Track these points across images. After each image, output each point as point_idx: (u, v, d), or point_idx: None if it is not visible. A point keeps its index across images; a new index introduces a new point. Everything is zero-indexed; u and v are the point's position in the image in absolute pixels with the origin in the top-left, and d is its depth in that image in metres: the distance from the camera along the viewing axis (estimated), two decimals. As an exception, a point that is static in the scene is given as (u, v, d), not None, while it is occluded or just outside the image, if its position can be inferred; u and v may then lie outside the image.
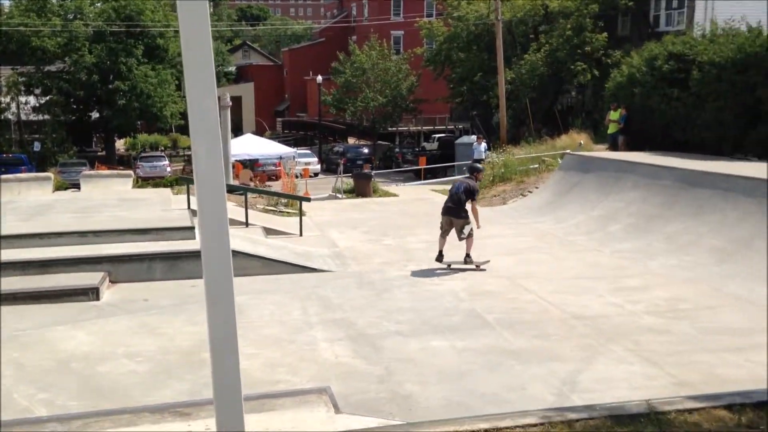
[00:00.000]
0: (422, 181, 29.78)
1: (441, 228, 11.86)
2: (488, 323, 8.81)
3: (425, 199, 21.78)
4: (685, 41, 20.53)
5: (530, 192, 20.06)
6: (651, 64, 20.69)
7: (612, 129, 22.14)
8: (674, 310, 9.20)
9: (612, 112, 22.10)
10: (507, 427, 4.85)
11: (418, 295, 10.24)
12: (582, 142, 23.93)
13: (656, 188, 14.87)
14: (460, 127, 48.14)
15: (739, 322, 8.64)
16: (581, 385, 6.73)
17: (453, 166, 32.58)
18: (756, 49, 17.08)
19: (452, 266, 11.68)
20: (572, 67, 31.32)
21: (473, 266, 11.63)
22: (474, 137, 29.68)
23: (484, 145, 25.71)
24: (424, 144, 46.77)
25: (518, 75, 32.82)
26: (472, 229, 11.66)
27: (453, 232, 11.75)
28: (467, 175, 12.29)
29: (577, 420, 4.97)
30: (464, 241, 11.69)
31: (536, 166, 22.80)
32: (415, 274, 11.55)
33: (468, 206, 11.77)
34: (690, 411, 4.97)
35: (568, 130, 27.36)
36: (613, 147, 21.88)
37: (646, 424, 4.76)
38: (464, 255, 11.67)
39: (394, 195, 22.69)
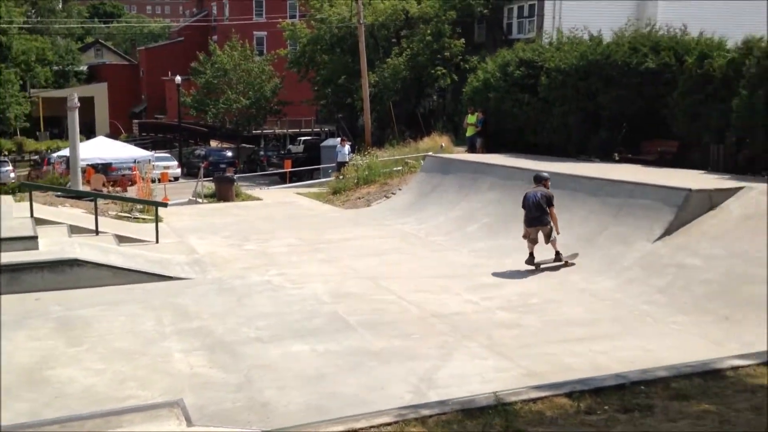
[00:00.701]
0: (288, 185, 29.55)
1: (527, 238, 11.81)
2: (350, 325, 8.85)
3: (290, 202, 21.62)
4: (534, 48, 21.63)
5: (394, 194, 20.40)
6: (504, 70, 21.63)
7: (470, 132, 22.94)
8: (525, 305, 9.64)
9: (470, 115, 22.91)
10: (362, 428, 4.87)
11: (279, 299, 10.11)
12: (443, 144, 24.63)
13: (511, 189, 15.52)
14: (326, 129, 48.20)
15: (583, 314, 9.18)
16: (438, 381, 6.90)
17: (319, 168, 32.58)
18: (596, 57, 18.26)
19: (542, 266, 11.66)
20: (433, 71, 32.20)
21: (563, 262, 11.60)
22: (338, 140, 29.82)
23: (347, 147, 25.87)
24: (290, 147, 46.45)
25: (381, 78, 33.34)
26: (554, 232, 11.71)
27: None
28: (535, 185, 12.07)
29: (431, 416, 5.08)
30: (550, 244, 11.69)
31: (400, 168, 23.22)
32: (277, 278, 11.40)
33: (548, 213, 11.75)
34: (534, 400, 5.20)
35: (431, 132, 28.07)
36: (472, 149, 22.68)
37: (493, 416, 4.93)
38: (554, 254, 11.67)
39: (258, 199, 22.36)
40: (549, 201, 11.63)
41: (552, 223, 11.54)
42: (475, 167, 17.79)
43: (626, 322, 8.80)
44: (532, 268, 11.58)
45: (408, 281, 11.10)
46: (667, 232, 11.11)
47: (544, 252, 11.66)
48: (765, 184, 11.70)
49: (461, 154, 21.65)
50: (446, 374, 7.09)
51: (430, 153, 22.23)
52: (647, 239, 11.20)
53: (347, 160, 25.10)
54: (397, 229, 16.09)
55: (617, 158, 18.43)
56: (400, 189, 20.46)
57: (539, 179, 12.13)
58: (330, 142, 34.43)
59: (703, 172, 14.59)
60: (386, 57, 34.56)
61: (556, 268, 11.44)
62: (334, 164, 26.21)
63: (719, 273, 9.56)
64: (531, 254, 11.63)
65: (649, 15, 26.61)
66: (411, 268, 12.15)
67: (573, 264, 11.58)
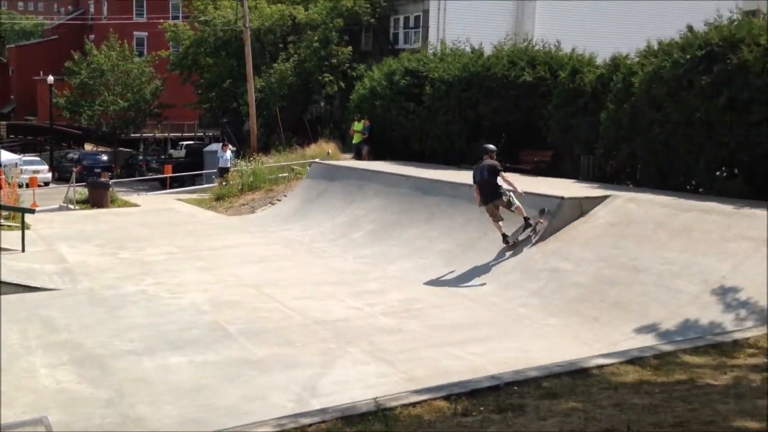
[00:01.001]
0: (168, 190, 28.61)
1: (490, 215, 11.70)
2: (230, 334, 8.65)
3: (170, 209, 20.93)
4: (419, 59, 22.08)
5: (279, 200, 20.20)
6: (390, 78, 21.94)
7: (356, 139, 23.09)
8: (407, 310, 9.77)
9: (356, 122, 23.05)
10: (238, 440, 4.76)
11: (155, 310, 9.74)
12: (330, 151, 24.65)
13: (395, 196, 15.76)
14: (209, 134, 47.06)
15: (462, 318, 9.41)
16: (321, 389, 6.85)
17: (201, 174, 31.76)
18: (478, 69, 18.86)
19: (518, 240, 11.57)
20: (320, 78, 32.19)
21: (533, 225, 11.54)
22: (220, 145, 29.18)
23: (229, 152, 25.30)
24: (171, 151, 45.05)
25: (268, 83, 32.97)
26: (514, 197, 11.53)
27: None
28: (483, 158, 11.88)
29: (311, 425, 5.03)
30: (517, 211, 11.56)
31: (286, 174, 23.03)
32: (154, 288, 10.99)
33: (500, 182, 11.57)
34: (414, 404, 5.26)
35: (318, 139, 28.04)
36: (358, 156, 22.83)
37: (373, 422, 4.94)
38: (523, 222, 11.55)
39: (136, 205, 21.51)
40: (495, 171, 11.56)
41: (509, 192, 11.51)
42: (361, 174, 17.91)
43: (503, 324, 9.09)
44: (510, 251, 11.48)
45: (291, 288, 11.00)
46: (542, 238, 11.58)
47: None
48: (629, 193, 12.45)
49: (348, 161, 21.75)
50: (329, 381, 7.06)
51: (317, 159, 22.18)
52: (524, 245, 11.64)
53: (229, 165, 24.62)
54: (282, 235, 15.93)
55: (497, 167, 19.05)
56: (285, 195, 20.28)
57: (485, 151, 12.01)
58: (214, 147, 33.63)
59: (574, 180, 15.34)
60: (273, 62, 34.22)
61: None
62: (216, 170, 25.61)
63: (588, 276, 10.06)
64: (503, 235, 11.58)
65: (526, 30, 27.80)
66: (295, 275, 12.05)
67: (545, 223, 11.59)
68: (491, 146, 12.19)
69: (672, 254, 9.71)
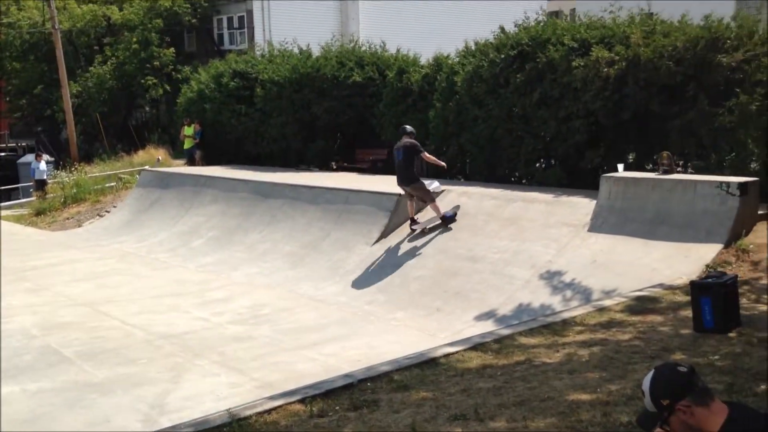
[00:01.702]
0: (-20, 207, 26.18)
1: (407, 198, 11.49)
2: (66, 358, 8.15)
3: (-16, 227, 19.18)
4: (247, 60, 21.82)
5: (108, 212, 19.18)
6: (218, 81, 21.50)
7: (188, 144, 22.38)
8: (256, 316, 9.69)
9: (186, 127, 22.34)
10: (86, 470, 4.52)
11: (-22, 338, 8.95)
12: (160, 157, 23.72)
13: (234, 200, 15.50)
14: (23, 144, 43.44)
15: (312, 320, 9.50)
16: (170, 405, 6.65)
17: (18, 188, 29.33)
18: (308, 70, 18.98)
19: (427, 228, 11.31)
20: (143, 81, 30.80)
21: (448, 223, 11.25)
22: (33, 156, 27.11)
23: (44, 163, 23.55)
24: (-20, 164, 41.18)
25: (85, 88, 31.08)
26: (430, 187, 11.22)
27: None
28: (402, 138, 11.45)
29: (163, 444, 4.89)
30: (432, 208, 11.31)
31: (113, 184, 21.89)
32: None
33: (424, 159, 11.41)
34: (269, 411, 5.25)
35: (146, 145, 26.87)
36: (191, 162, 22.15)
37: (229, 433, 4.90)
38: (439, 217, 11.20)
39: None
40: (414, 150, 11.26)
41: (422, 181, 11.45)
42: (196, 180, 17.44)
43: (352, 323, 9.29)
44: (415, 230, 11.42)
45: (130, 304, 10.53)
46: (383, 234, 11.93)
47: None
48: (461, 187, 13.12)
49: (180, 167, 21.06)
50: (179, 397, 6.86)
51: (147, 167, 21.29)
52: (366, 243, 11.92)
53: (45, 177, 22.98)
54: (115, 248, 15.15)
55: (334, 167, 19.32)
56: (115, 206, 19.30)
57: (402, 132, 11.75)
58: (29, 158, 31.11)
59: (409, 177, 15.89)
60: (89, 65, 32.32)
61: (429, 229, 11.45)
62: (32, 183, 23.80)
63: (430, 269, 10.52)
64: (411, 219, 11.53)
65: (351, 31, 28.35)
66: (133, 289, 11.54)
67: (455, 214, 11.49)
68: (408, 127, 11.94)
69: (503, 243, 10.38)
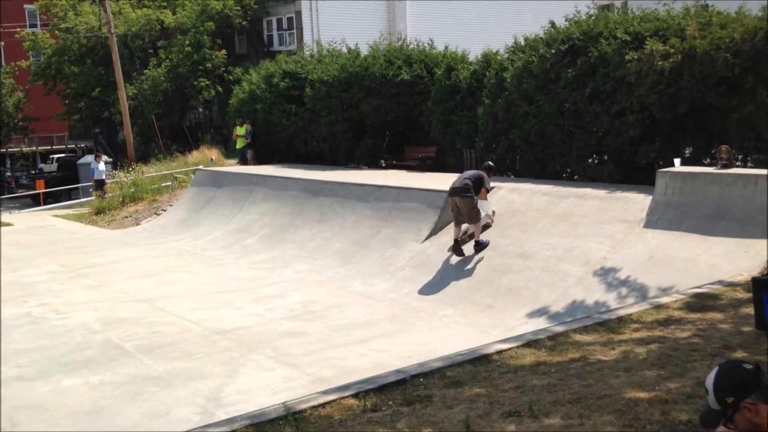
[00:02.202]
0: (42, 207, 27.10)
1: (453, 215, 11.03)
2: (127, 352, 8.37)
3: (47, 226, 19.87)
4: (297, 60, 22.06)
5: (164, 210, 19.63)
6: (269, 81, 21.78)
7: (240, 144, 22.77)
8: (308, 313, 9.80)
9: (238, 127, 22.72)
10: (149, 459, 4.65)
11: (43, 332, 9.27)
12: (213, 157, 24.18)
13: (285, 199, 15.70)
14: (82, 146, 44.83)
15: (363, 316, 9.55)
16: (226, 399, 6.77)
17: (78, 188, 30.26)
18: (356, 69, 19.07)
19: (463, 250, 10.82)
20: (195, 83, 31.42)
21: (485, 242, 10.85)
22: (92, 156, 27.92)
23: (103, 164, 24.21)
24: (42, 166, 42.53)
25: (140, 90, 31.84)
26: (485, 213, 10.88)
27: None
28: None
29: (220, 435, 4.98)
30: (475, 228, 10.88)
31: (169, 183, 22.40)
32: (38, 309, 10.43)
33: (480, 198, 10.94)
34: (323, 405, 5.30)
35: (199, 146, 27.43)
36: (243, 161, 22.52)
37: (284, 426, 4.95)
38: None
39: (8, 224, 20.25)
40: (481, 182, 10.97)
41: (474, 205, 10.79)
42: (248, 179, 17.70)
43: (402, 319, 9.31)
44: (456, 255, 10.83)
45: (187, 300, 10.76)
46: (433, 232, 11.91)
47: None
48: (511, 183, 13.02)
49: (233, 167, 21.42)
50: (234, 390, 6.99)
51: (201, 167, 21.71)
52: (416, 240, 11.92)
53: (104, 177, 23.63)
54: (171, 246, 15.50)
55: (383, 165, 19.38)
56: (171, 205, 19.73)
57: (484, 168, 11.58)
58: (87, 159, 32.07)
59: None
60: (144, 68, 33.08)
61: None
62: (92, 183, 24.50)
63: (481, 266, 10.46)
64: (455, 240, 10.83)
65: (399, 29, 28.38)
66: (189, 285, 11.79)
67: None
68: (489, 164, 11.90)
69: (555, 239, 10.27)
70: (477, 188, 10.93)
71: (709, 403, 2.70)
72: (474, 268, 10.50)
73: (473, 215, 10.76)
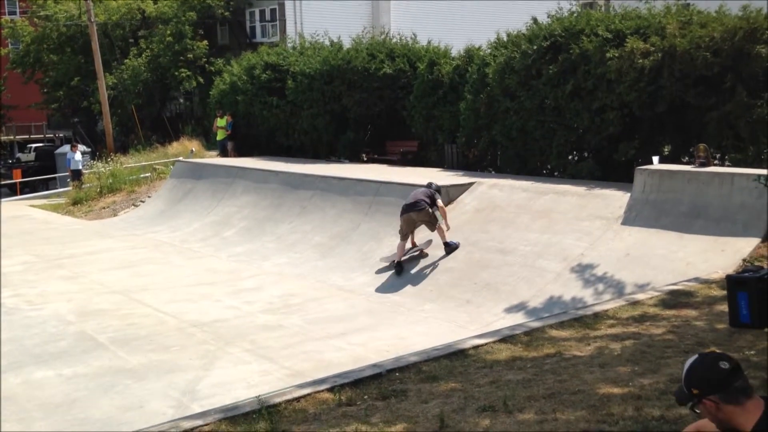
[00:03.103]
0: (19, 196, 26.76)
1: (400, 232, 10.84)
2: (101, 344, 8.29)
3: (23, 216, 19.63)
4: (279, 52, 21.91)
5: (143, 201, 19.46)
6: (250, 73, 21.63)
7: (220, 136, 22.62)
8: (286, 306, 9.76)
9: (219, 119, 22.57)
10: (119, 453, 4.60)
11: (16, 323, 9.14)
12: (194, 149, 24.00)
13: (265, 192, 15.61)
14: (60, 135, 44.32)
15: (341, 310, 9.53)
16: (201, 392, 6.72)
17: (55, 177, 29.91)
18: (338, 62, 18.99)
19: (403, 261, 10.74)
20: (177, 73, 31.14)
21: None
22: (68, 146, 27.60)
23: (79, 154, 23.93)
24: (19, 155, 42.00)
25: (120, 80, 31.51)
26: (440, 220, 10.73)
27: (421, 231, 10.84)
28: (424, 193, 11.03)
29: (192, 429, 4.92)
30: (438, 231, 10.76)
31: (148, 174, 22.20)
32: (12, 300, 10.29)
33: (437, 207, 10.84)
34: (298, 399, 5.27)
35: (180, 137, 27.22)
36: (223, 153, 22.38)
37: (258, 420, 4.92)
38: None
39: (-17, 214, 19.96)
40: (433, 200, 10.86)
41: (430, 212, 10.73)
42: (228, 171, 17.59)
43: (380, 313, 9.29)
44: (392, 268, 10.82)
45: (164, 292, 10.67)
46: (413, 226, 11.87)
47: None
48: (491, 179, 13.04)
49: (213, 159, 21.28)
50: (210, 383, 6.94)
51: (181, 158, 21.54)
52: (396, 234, 11.87)
53: (80, 168, 23.36)
54: (149, 238, 15.36)
55: (365, 158, 19.34)
56: (149, 196, 19.56)
57: (428, 185, 11.34)
58: (66, 148, 31.70)
59: (440, 169, 15.85)
60: (124, 58, 32.73)
61: None
62: (69, 173, 24.22)
63: (459, 261, 10.47)
64: (399, 262, 10.73)
65: (383, 23, 28.28)
66: (166, 277, 11.69)
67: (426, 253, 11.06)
68: (435, 183, 11.56)
69: (534, 235, 10.30)
70: (431, 205, 10.87)
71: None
72: (453, 263, 10.50)
73: (432, 222, 10.78)
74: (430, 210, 10.77)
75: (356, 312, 9.39)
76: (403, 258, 10.87)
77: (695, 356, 2.76)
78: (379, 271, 11.04)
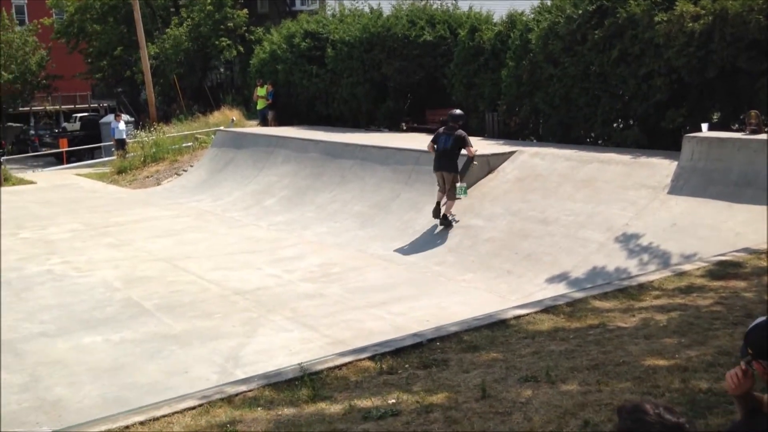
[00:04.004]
0: (65, 165, 27.35)
1: (438, 182, 11.26)
2: (147, 310, 8.45)
3: (70, 184, 20.06)
4: (319, 20, 21.79)
5: (185, 171, 19.69)
6: (290, 41, 21.57)
7: (260, 105, 22.69)
8: (326, 275, 9.81)
9: (259, 88, 22.62)
10: (164, 415, 4.67)
11: (65, 289, 9.38)
12: (234, 118, 24.13)
13: (305, 161, 15.65)
14: (105, 105, 45.03)
15: (381, 279, 9.54)
16: (244, 359, 6.82)
17: (100, 147, 30.46)
18: (378, 30, 18.80)
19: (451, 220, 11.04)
20: (217, 42, 31.24)
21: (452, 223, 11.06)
22: (113, 116, 27.99)
23: (122, 123, 24.25)
24: (65, 125, 42.76)
25: (162, 50, 31.72)
26: (459, 189, 11.04)
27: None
28: (450, 124, 11.21)
29: (236, 394, 4.99)
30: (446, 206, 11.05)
31: (190, 144, 22.43)
32: (60, 267, 10.55)
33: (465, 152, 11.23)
34: (339, 367, 5.31)
35: (220, 106, 27.36)
36: (264, 122, 22.46)
37: (300, 387, 4.97)
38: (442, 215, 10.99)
39: (32, 182, 20.49)
40: (464, 142, 11.07)
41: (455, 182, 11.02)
42: (269, 140, 17.66)
43: (421, 283, 9.28)
44: (440, 223, 11.03)
45: (206, 260, 10.82)
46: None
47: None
48: (533, 148, 12.83)
49: (254, 128, 21.37)
50: (252, 350, 7.03)
51: (222, 127, 21.69)
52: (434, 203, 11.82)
53: (125, 137, 23.69)
54: (192, 207, 15.57)
55: (405, 128, 19.22)
56: (191, 166, 19.78)
57: (452, 118, 11.34)
58: (110, 118, 32.17)
59: (480, 138, 15.65)
60: (166, 27, 32.92)
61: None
62: (113, 142, 24.62)
63: (500, 231, 10.38)
64: (438, 203, 11.06)
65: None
66: (209, 246, 11.84)
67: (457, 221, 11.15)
68: (458, 112, 11.57)
69: (577, 205, 10.13)
70: (460, 150, 11.17)
71: None
72: (494, 233, 10.41)
73: (452, 192, 11.03)
74: (457, 176, 11.13)
75: (396, 281, 9.39)
76: (443, 207, 11.05)
77: (763, 318, 2.74)
78: (420, 241, 11.01)
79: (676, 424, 1.97)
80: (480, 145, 13.77)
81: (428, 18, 18.44)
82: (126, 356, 7.00)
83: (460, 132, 11.15)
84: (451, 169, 11.09)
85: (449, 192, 11.05)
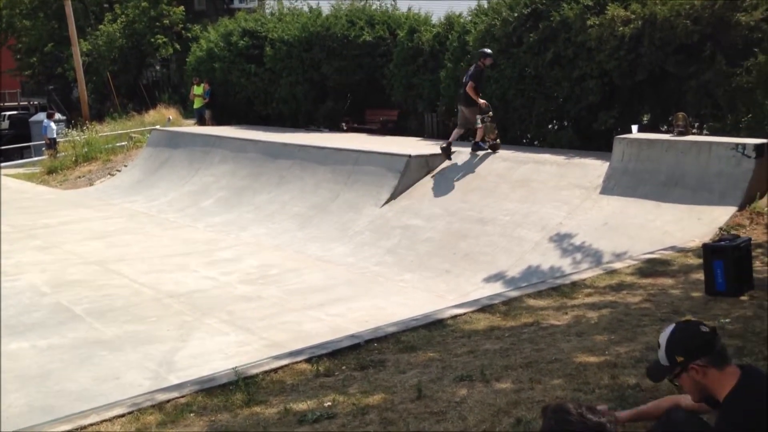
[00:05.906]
0: (-8, 166, 26.29)
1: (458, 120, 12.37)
2: (76, 315, 8.19)
3: (-4, 185, 19.27)
4: (257, 18, 21.58)
5: (119, 171, 19.20)
6: (228, 39, 21.28)
7: (197, 104, 22.29)
8: (264, 277, 9.69)
9: (196, 86, 22.22)
10: (92, 424, 4.52)
11: (-11, 295, 9.01)
12: (171, 117, 23.66)
13: (243, 161, 15.44)
14: (35, 102, 43.52)
15: (320, 280, 9.48)
16: (178, 363, 6.67)
17: (29, 147, 29.43)
18: (317, 29, 18.71)
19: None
20: (153, 40, 30.60)
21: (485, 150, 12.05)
22: (44, 114, 27.09)
23: (52, 122, 23.48)
24: (-7, 123, 41.24)
25: (95, 47, 30.89)
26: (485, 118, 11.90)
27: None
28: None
29: (168, 401, 4.88)
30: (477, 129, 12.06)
31: (124, 143, 21.88)
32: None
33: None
34: (276, 370, 5.24)
35: (156, 105, 26.80)
36: (201, 122, 22.07)
37: (234, 391, 4.89)
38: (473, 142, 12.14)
39: (-45, 183, 19.60)
40: (470, 77, 11.97)
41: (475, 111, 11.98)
42: (206, 140, 17.37)
43: (359, 284, 9.26)
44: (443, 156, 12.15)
45: (140, 262, 10.55)
46: (392, 196, 11.83)
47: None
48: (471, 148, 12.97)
49: (190, 127, 20.98)
50: (187, 355, 6.89)
51: (158, 126, 21.23)
52: (375, 204, 11.84)
53: (55, 136, 22.96)
54: (125, 208, 15.18)
55: (344, 128, 19.18)
56: (125, 166, 19.30)
57: (481, 55, 12.23)
58: (40, 116, 31.11)
59: (420, 138, 15.77)
60: (99, 23, 32.08)
61: None
62: (44, 142, 23.82)
63: (439, 231, 10.45)
64: (450, 139, 12.25)
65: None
66: (143, 248, 11.56)
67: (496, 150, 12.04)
68: (483, 50, 12.45)
69: (514, 205, 10.29)
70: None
71: (659, 358, 2.72)
72: (432, 233, 10.48)
73: (471, 122, 12.11)
74: (473, 109, 11.99)
75: (335, 283, 9.35)
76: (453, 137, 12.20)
77: (672, 326, 2.74)
78: (359, 242, 11.00)
79: (597, 423, 2.01)
80: (419, 146, 13.88)
81: (367, 18, 18.46)
82: (54, 363, 6.77)
83: (472, 68, 12.14)
84: (468, 103, 11.98)
85: (469, 123, 12.10)
